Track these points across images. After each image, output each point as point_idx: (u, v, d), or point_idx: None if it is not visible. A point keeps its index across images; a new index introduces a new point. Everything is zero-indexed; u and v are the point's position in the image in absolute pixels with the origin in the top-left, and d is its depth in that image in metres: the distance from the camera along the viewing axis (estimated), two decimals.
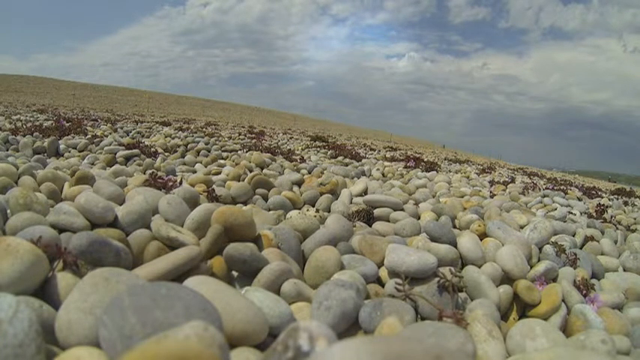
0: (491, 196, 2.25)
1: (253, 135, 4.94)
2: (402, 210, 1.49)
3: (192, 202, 1.08)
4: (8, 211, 0.84)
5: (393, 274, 0.87)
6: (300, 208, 1.52)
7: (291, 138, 5.78)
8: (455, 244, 1.04)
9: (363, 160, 3.43)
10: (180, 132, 4.02)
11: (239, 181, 1.83)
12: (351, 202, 1.67)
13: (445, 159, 5.72)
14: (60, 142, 2.49)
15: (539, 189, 2.86)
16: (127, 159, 2.28)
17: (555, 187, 3.11)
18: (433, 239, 1.06)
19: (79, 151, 2.47)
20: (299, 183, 1.90)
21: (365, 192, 1.83)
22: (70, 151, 2.44)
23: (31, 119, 4.03)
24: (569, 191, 3.03)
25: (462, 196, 2.05)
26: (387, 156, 4.37)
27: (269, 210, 1.43)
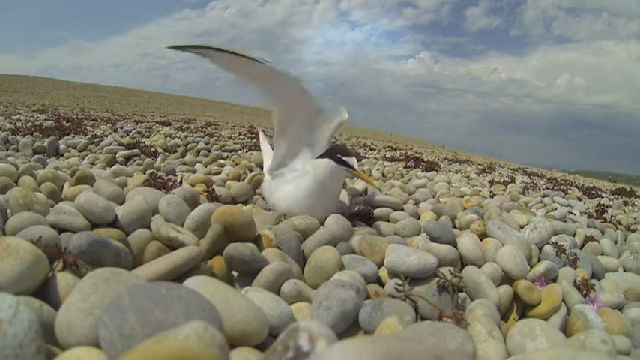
0: (491, 196, 2.25)
1: (253, 135, 4.93)
2: (402, 210, 1.49)
3: (192, 202, 1.08)
4: (8, 211, 0.84)
5: (393, 274, 0.87)
6: None
7: None
8: (455, 244, 1.04)
9: (363, 160, 3.43)
10: (180, 132, 4.02)
11: (239, 181, 1.83)
12: (351, 202, 1.67)
13: (445, 159, 5.72)
14: (60, 142, 2.50)
15: (539, 189, 2.86)
16: (127, 159, 2.28)
17: (555, 187, 3.11)
18: (433, 239, 1.06)
19: (79, 151, 2.47)
20: None
21: (365, 192, 1.83)
22: (70, 151, 2.44)
23: (31, 119, 4.03)
24: (569, 191, 3.02)
25: (462, 196, 2.05)
26: (387, 156, 4.37)
27: (269, 210, 1.43)
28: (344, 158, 1.18)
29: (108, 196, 1.04)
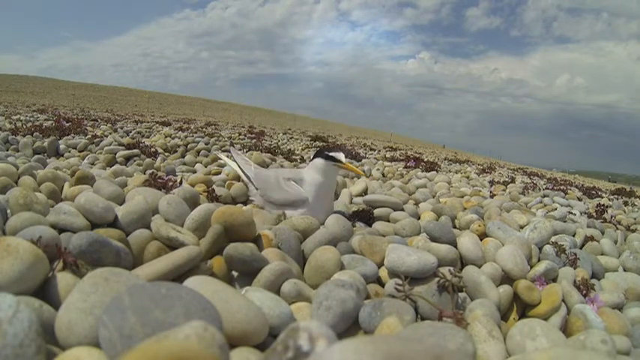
0: (491, 196, 2.25)
1: (253, 135, 4.94)
2: (402, 210, 1.49)
3: (192, 202, 1.08)
4: (8, 211, 0.84)
5: (393, 274, 0.87)
6: None
7: (291, 138, 5.78)
8: (455, 244, 1.04)
9: (363, 160, 3.43)
10: (180, 132, 4.02)
11: (239, 181, 1.83)
12: (351, 202, 1.67)
13: (445, 159, 5.72)
14: (60, 142, 2.49)
15: (539, 189, 2.86)
16: (127, 159, 2.28)
17: (555, 187, 3.11)
18: (433, 239, 1.06)
19: (79, 151, 2.47)
20: None
21: (365, 192, 1.83)
22: (70, 151, 2.44)
23: (31, 119, 4.03)
24: (569, 191, 3.03)
25: (462, 196, 2.05)
26: (387, 156, 4.37)
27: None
28: (330, 154, 1.27)
29: (108, 196, 1.04)
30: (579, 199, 2.75)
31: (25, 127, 2.97)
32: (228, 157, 1.73)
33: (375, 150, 5.55)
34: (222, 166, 2.30)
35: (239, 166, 1.52)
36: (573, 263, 1.12)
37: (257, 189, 1.41)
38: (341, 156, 1.28)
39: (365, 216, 1.39)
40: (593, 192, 3.40)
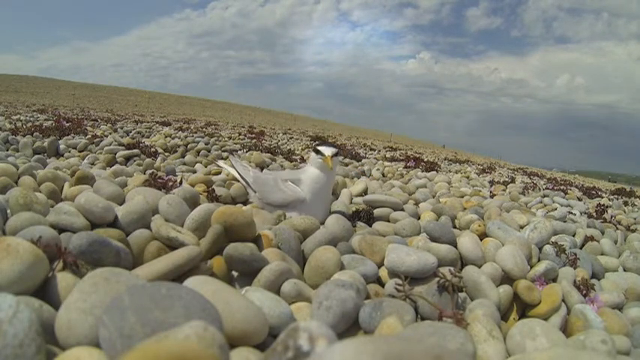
0: (491, 196, 2.25)
1: (253, 135, 4.93)
2: (402, 210, 1.49)
3: (193, 202, 1.08)
4: (8, 211, 0.84)
5: (393, 274, 0.87)
6: None
7: (291, 138, 5.78)
8: (455, 244, 1.04)
9: (363, 160, 3.42)
10: (180, 132, 4.02)
11: (239, 181, 1.83)
12: (351, 202, 1.67)
13: (445, 159, 5.72)
14: (60, 142, 2.49)
15: (540, 189, 2.86)
16: (127, 159, 2.28)
17: (555, 187, 3.11)
18: (433, 239, 1.06)
19: (79, 151, 2.47)
20: None
21: (365, 192, 1.83)
22: (70, 151, 2.44)
23: (31, 119, 4.03)
24: (569, 191, 3.03)
25: (462, 196, 2.05)
26: (387, 156, 4.37)
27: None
28: (319, 147, 1.30)
29: (108, 196, 1.04)
30: (579, 199, 2.75)
31: (25, 127, 2.97)
32: (227, 164, 1.75)
33: (375, 150, 5.55)
34: None
35: (238, 173, 1.53)
36: (573, 263, 1.12)
37: (255, 192, 1.41)
38: (326, 150, 1.28)
39: (365, 216, 1.39)
40: (593, 192, 3.40)
